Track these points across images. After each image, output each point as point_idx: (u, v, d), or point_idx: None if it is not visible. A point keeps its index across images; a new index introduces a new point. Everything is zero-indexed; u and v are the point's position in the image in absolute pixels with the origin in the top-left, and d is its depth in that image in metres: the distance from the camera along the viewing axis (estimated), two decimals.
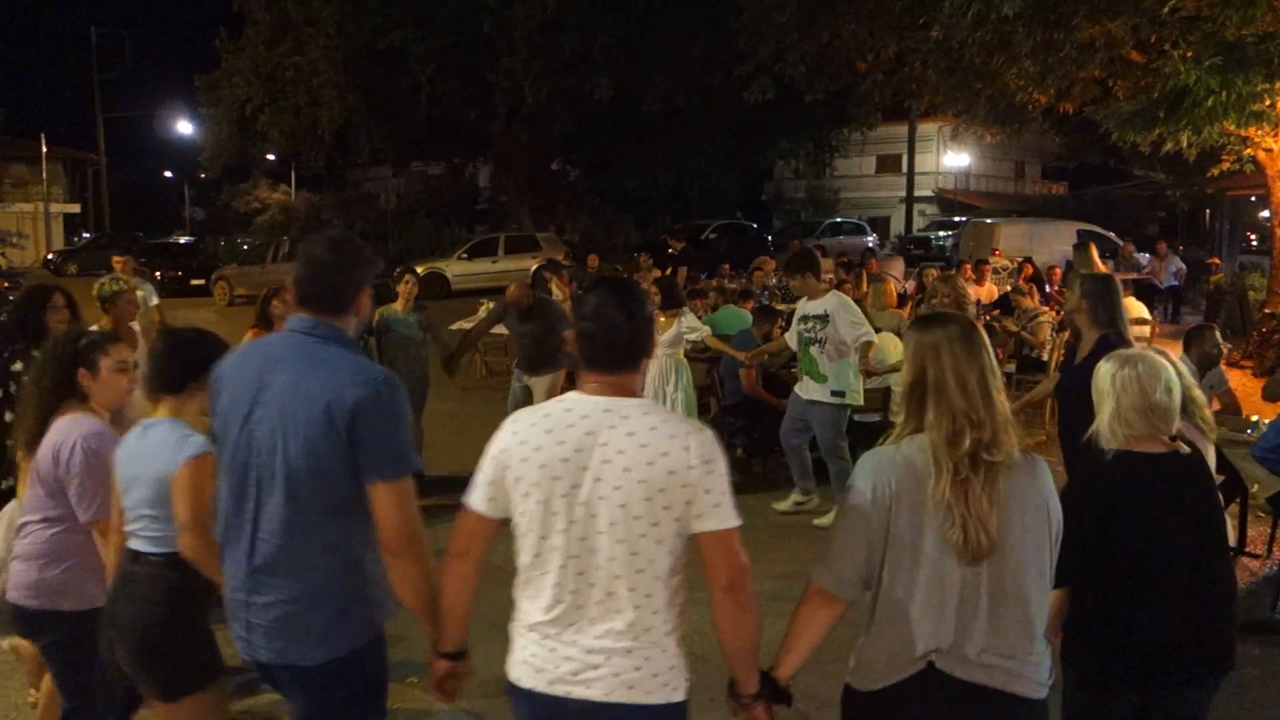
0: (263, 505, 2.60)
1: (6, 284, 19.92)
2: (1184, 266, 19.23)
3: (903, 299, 11.23)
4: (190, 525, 2.89)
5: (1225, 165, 14.74)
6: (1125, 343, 4.42)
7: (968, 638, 2.37)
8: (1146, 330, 12.66)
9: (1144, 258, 20.64)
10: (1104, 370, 3.04)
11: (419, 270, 15.42)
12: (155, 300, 8.40)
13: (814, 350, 6.89)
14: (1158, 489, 2.94)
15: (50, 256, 38.38)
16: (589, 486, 2.30)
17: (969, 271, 12.98)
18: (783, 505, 7.39)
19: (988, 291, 13.02)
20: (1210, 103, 10.64)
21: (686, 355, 8.27)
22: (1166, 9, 10.79)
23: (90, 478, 3.23)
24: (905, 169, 36.26)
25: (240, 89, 26.88)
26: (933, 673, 2.39)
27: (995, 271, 15.17)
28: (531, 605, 2.39)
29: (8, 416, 4.60)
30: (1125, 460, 2.95)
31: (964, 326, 2.53)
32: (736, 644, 2.39)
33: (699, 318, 11.59)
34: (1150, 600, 2.91)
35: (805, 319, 6.98)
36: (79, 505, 3.25)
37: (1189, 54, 11.09)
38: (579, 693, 2.31)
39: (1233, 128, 11.57)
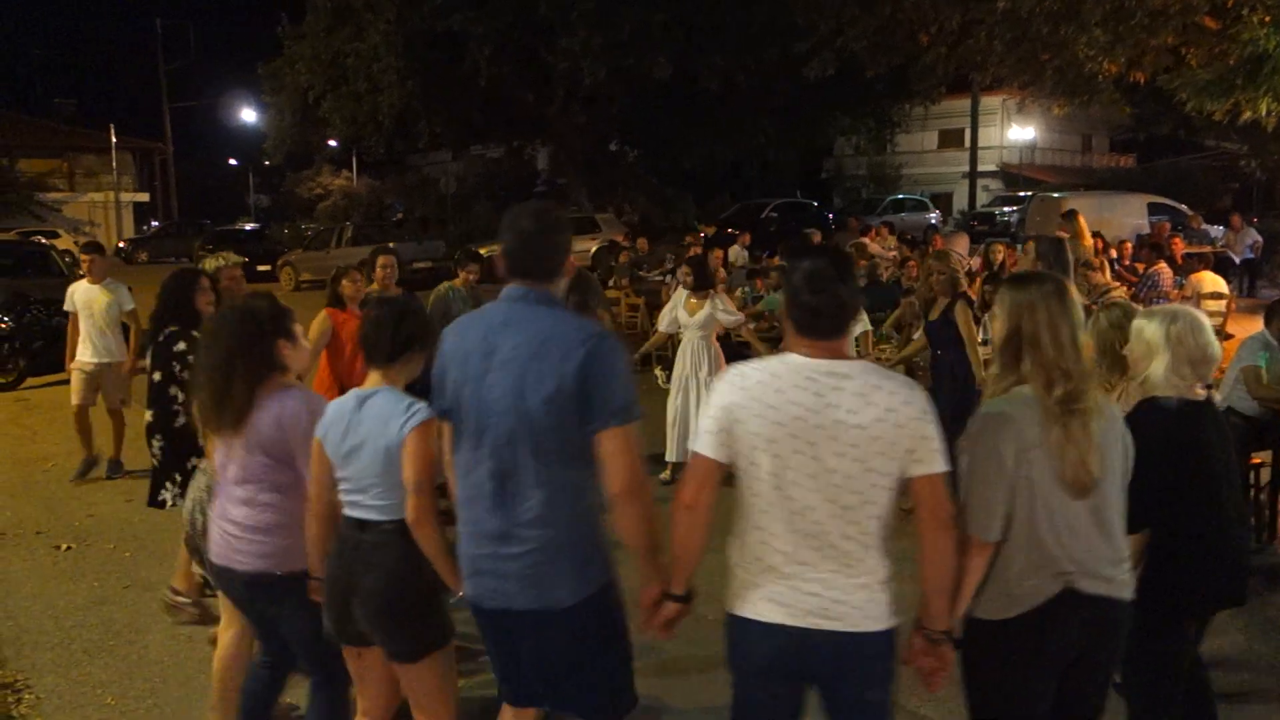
0: (506, 462, 2.79)
1: (82, 272, 20.44)
2: (1260, 239, 18.70)
3: (970, 276, 11.06)
4: (419, 488, 2.99)
5: None
6: None
7: (1091, 557, 2.72)
8: (1222, 305, 12.34)
9: (1216, 230, 20.11)
10: (1153, 326, 3.29)
11: (481, 252, 15.48)
12: (130, 305, 8.45)
13: None
14: (1211, 433, 3.27)
15: (121, 245, 39.23)
16: (824, 444, 2.50)
17: (939, 241, 12.75)
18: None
19: None
20: None
21: (761, 334, 8.24)
22: None
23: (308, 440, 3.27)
24: (968, 144, 35.64)
25: (302, 76, 27.21)
26: (1069, 592, 2.70)
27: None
28: (766, 549, 2.58)
29: (179, 395, 4.89)
30: (1187, 408, 3.23)
31: (1057, 284, 2.83)
32: (943, 580, 2.61)
33: (760, 296, 11.62)
34: (1217, 536, 3.24)
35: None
36: (306, 469, 3.27)
37: (1267, 19, 10.74)
38: (825, 625, 2.54)
39: None
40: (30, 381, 12.27)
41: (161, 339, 5.04)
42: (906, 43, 16.64)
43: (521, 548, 2.79)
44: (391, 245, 9.37)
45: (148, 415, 5.13)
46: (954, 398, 6.22)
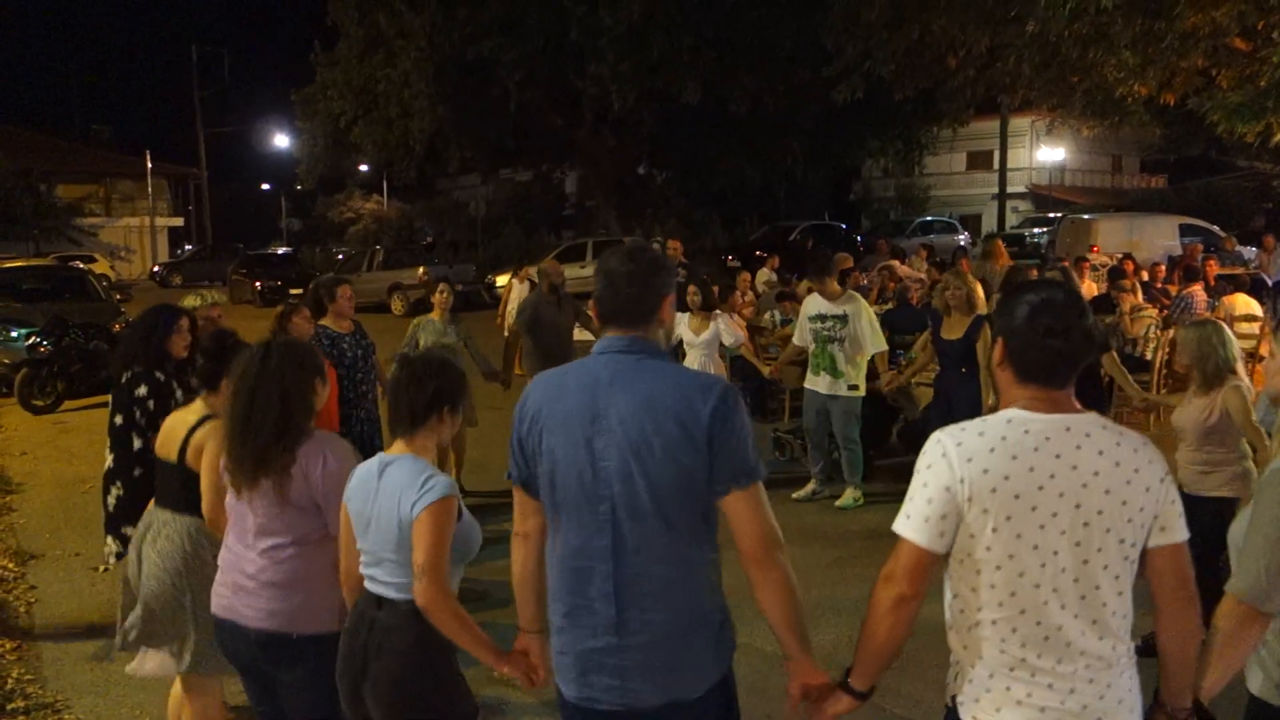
0: (624, 537, 2.47)
1: (119, 296, 20.72)
2: None
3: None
4: (429, 571, 2.77)
5: None
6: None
7: None
8: (1256, 327, 12.22)
9: (1249, 251, 19.92)
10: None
11: (521, 277, 15.54)
12: None
13: (833, 348, 7.50)
14: None
15: (156, 269, 39.74)
16: (1070, 514, 2.19)
17: (966, 265, 12.82)
18: (801, 494, 7.92)
19: (1087, 289, 12.70)
20: None
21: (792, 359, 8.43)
22: None
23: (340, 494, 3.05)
24: (997, 165, 35.54)
25: (334, 102, 27.54)
26: None
27: (1094, 269, 14.79)
28: (1006, 644, 2.23)
29: (135, 444, 4.62)
30: None
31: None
32: (1190, 655, 2.33)
33: (790, 319, 11.61)
34: None
35: (823, 318, 7.52)
36: (337, 520, 3.06)
37: None
38: None
39: None
40: (68, 404, 12.45)
41: (124, 380, 4.73)
42: (934, 65, 16.66)
43: (646, 635, 2.46)
44: (348, 276, 9.13)
45: (108, 460, 4.82)
46: (969, 417, 6.30)
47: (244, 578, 3.16)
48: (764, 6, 23.69)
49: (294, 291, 27.15)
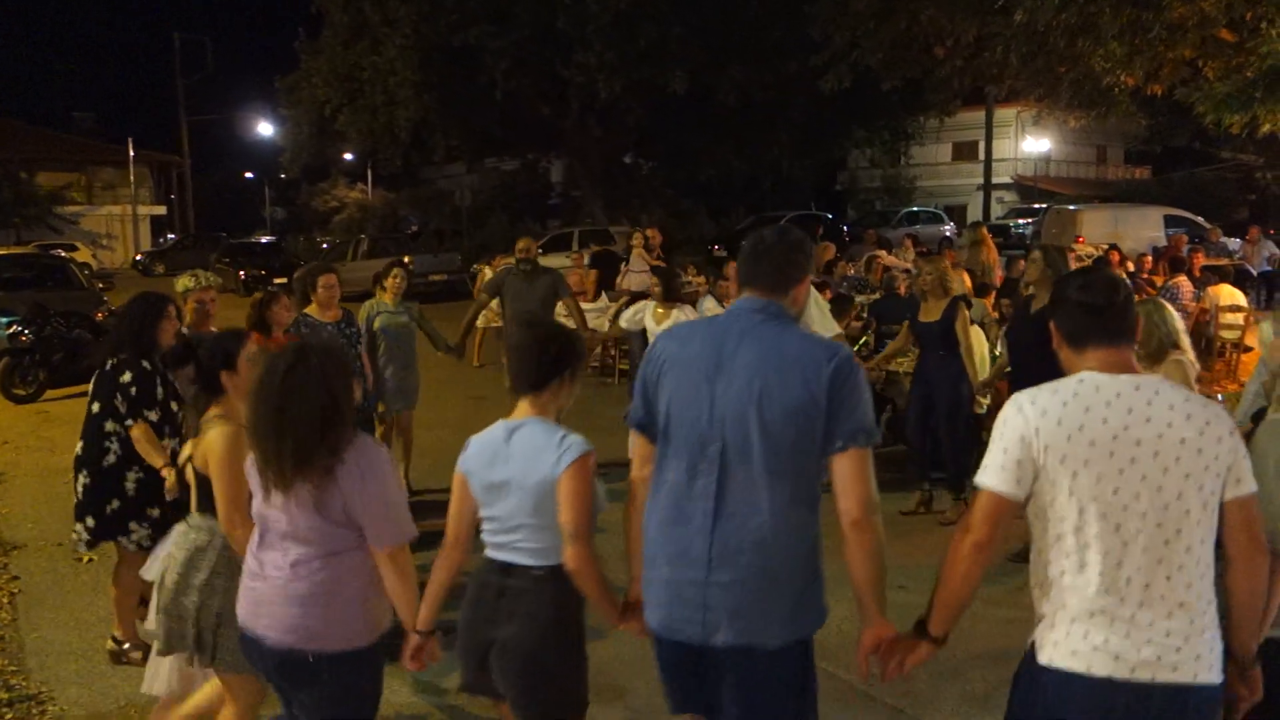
0: (729, 480, 2.58)
1: (101, 284, 20.57)
2: (1277, 251, 18.60)
3: (985, 289, 11.04)
4: (579, 534, 2.78)
5: None
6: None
7: None
8: (1240, 318, 12.28)
9: (1234, 243, 20.01)
10: None
11: (495, 265, 15.50)
12: None
13: None
14: None
15: (139, 257, 39.47)
16: (1148, 461, 2.29)
17: (951, 256, 12.76)
18: None
19: None
20: None
21: None
22: None
23: (388, 502, 2.91)
24: (983, 156, 35.62)
25: (319, 90, 27.38)
26: None
27: (1080, 259, 14.84)
28: (1083, 591, 2.33)
29: (109, 429, 4.66)
30: None
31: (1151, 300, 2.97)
32: (1259, 603, 2.45)
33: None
34: None
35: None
36: (380, 532, 2.89)
37: None
38: (1165, 677, 2.28)
39: None
40: (50, 394, 12.33)
41: (108, 367, 4.68)
42: (922, 56, 16.63)
43: (734, 575, 2.56)
44: (332, 265, 8.73)
45: (78, 447, 4.79)
46: (949, 398, 6.86)
47: (265, 588, 2.97)
48: None
49: (278, 280, 27.06)
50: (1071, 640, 2.33)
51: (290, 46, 28.16)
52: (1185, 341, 4.95)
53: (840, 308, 8.68)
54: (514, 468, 2.85)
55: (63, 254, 24.00)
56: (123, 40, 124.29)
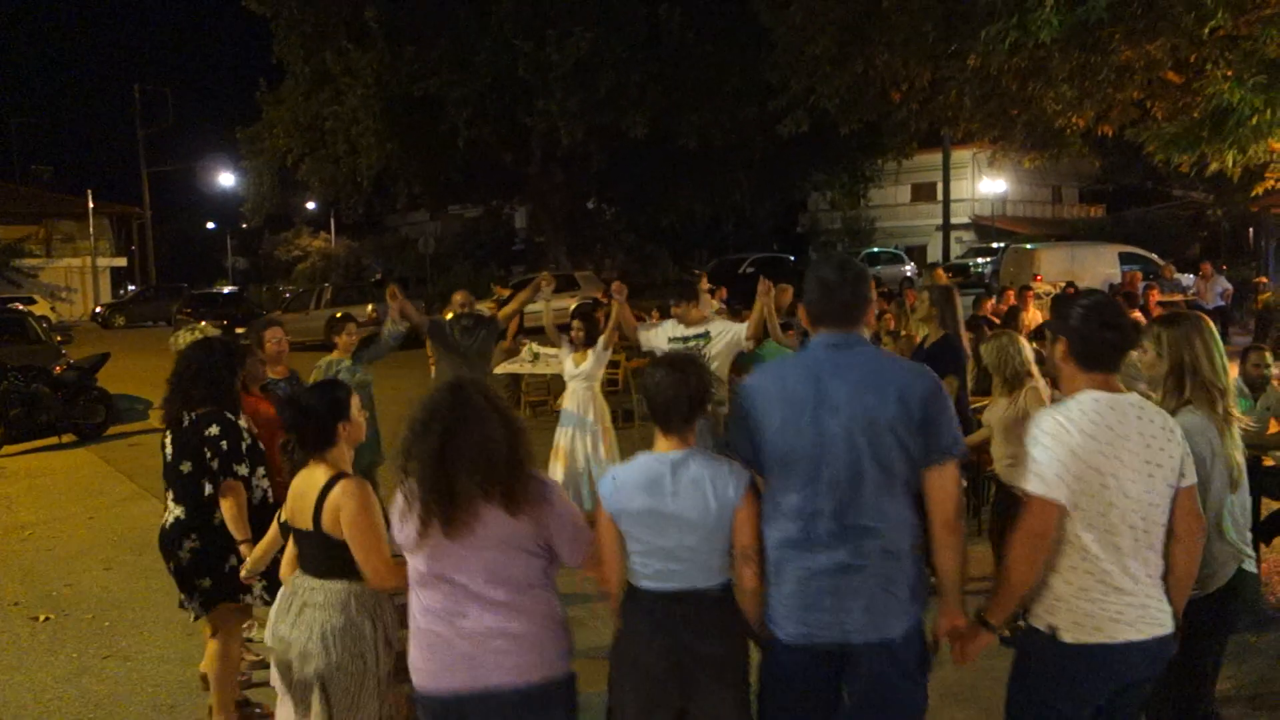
0: (845, 499, 2.83)
1: (59, 338, 20.31)
2: (1229, 286, 18.97)
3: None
4: (754, 555, 2.95)
5: (1270, 183, 14.56)
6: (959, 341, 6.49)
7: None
8: None
9: (1188, 279, 20.39)
10: None
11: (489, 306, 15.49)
12: None
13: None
14: None
15: (98, 309, 39.09)
16: (1139, 465, 2.81)
17: (912, 296, 12.76)
18: None
19: (1032, 317, 12.90)
20: (1255, 121, 10.52)
21: None
22: (1206, 30, 10.69)
23: (574, 523, 3.00)
24: (941, 197, 36.14)
25: (280, 140, 27.35)
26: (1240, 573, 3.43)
27: (1038, 297, 15.04)
28: (1110, 575, 2.81)
29: (207, 489, 4.42)
30: None
31: (1200, 319, 3.49)
32: (1193, 572, 3.02)
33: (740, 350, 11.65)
34: None
35: (684, 340, 7.26)
36: (574, 550, 2.99)
37: (1229, 72, 10.99)
38: (1157, 632, 2.85)
39: (1278, 145, 11.44)
40: (7, 449, 12.14)
41: (188, 423, 4.49)
42: (878, 100, 16.89)
43: (862, 581, 2.84)
44: (277, 316, 8.06)
45: (177, 513, 4.52)
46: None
47: (485, 636, 2.88)
48: (710, 43, 23.99)
49: (239, 330, 26.88)
50: (1100, 619, 2.81)
51: (251, 97, 28.13)
52: (1036, 370, 5.51)
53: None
54: (689, 500, 2.95)
55: (20, 307, 23.73)
56: (82, 91, 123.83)
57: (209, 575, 4.49)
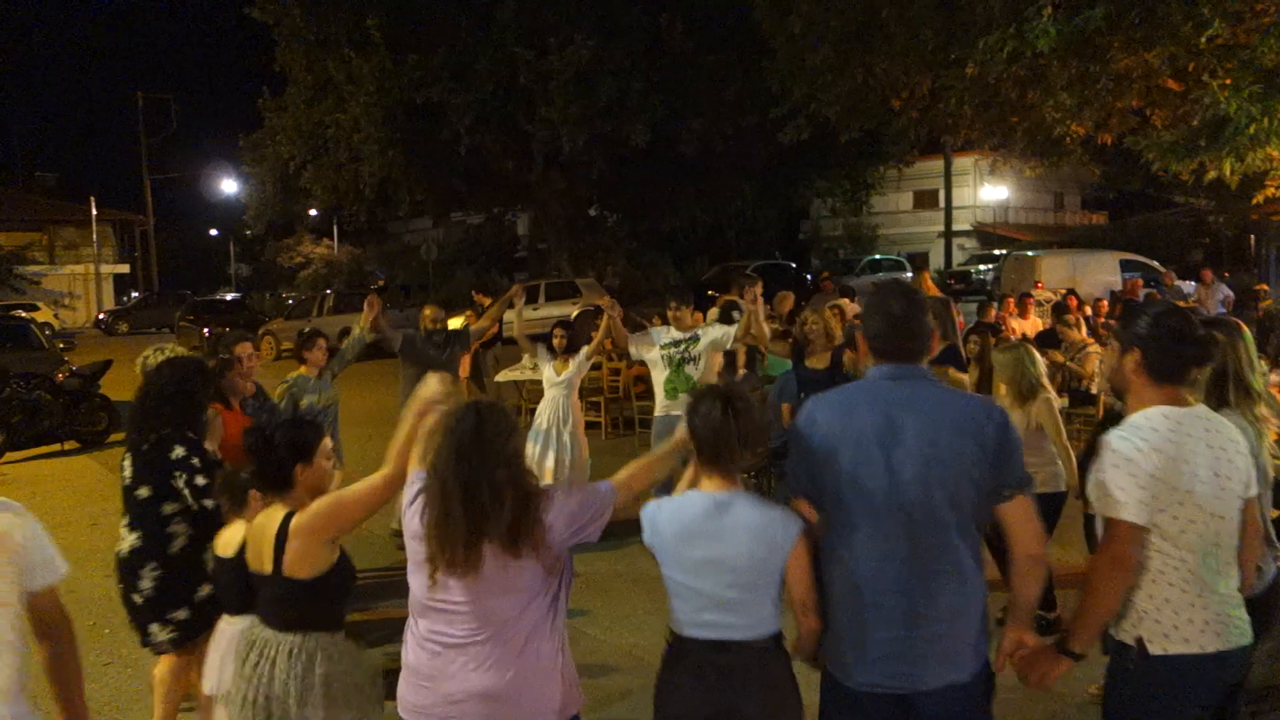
0: (918, 539, 2.75)
1: (62, 345, 20.38)
2: (1230, 293, 18.96)
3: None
4: (813, 606, 2.84)
5: (1270, 191, 14.60)
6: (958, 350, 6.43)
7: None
8: None
9: (1189, 286, 20.39)
10: None
11: (461, 320, 15.53)
12: None
13: (688, 368, 7.53)
14: None
15: (101, 316, 39.21)
16: (1211, 480, 2.81)
17: (849, 306, 12.74)
18: None
19: (1032, 325, 12.93)
20: (1252, 130, 10.59)
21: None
22: (1203, 38, 10.74)
23: (580, 516, 2.86)
24: (942, 204, 36.18)
25: (283, 147, 27.42)
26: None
27: (1039, 304, 15.06)
28: (1190, 585, 2.80)
29: (169, 509, 4.22)
30: None
31: (1240, 326, 3.56)
32: (1249, 580, 3.08)
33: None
34: None
35: (675, 343, 7.59)
36: (595, 527, 2.84)
37: (1228, 81, 11.04)
38: (1243, 642, 2.85)
39: (1276, 154, 11.50)
40: (9, 456, 12.19)
41: (146, 446, 4.26)
42: (879, 107, 16.95)
43: (936, 627, 2.75)
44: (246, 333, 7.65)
45: (132, 540, 4.29)
46: None
47: (460, 702, 2.73)
48: (711, 51, 24.06)
49: None
50: (1180, 627, 2.80)
51: (254, 105, 28.22)
52: (1048, 383, 5.60)
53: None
54: (735, 544, 2.79)
55: (23, 314, 23.81)
56: (86, 99, 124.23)
57: (185, 605, 4.25)
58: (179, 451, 4.19)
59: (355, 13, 24.83)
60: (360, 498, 3.10)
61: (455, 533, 2.62)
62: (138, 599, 4.29)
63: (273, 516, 3.29)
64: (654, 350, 7.70)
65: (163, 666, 4.46)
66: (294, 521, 3.19)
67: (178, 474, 4.18)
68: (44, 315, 32.31)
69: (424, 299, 30.80)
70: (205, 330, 26.87)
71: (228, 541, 3.76)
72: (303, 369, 6.99)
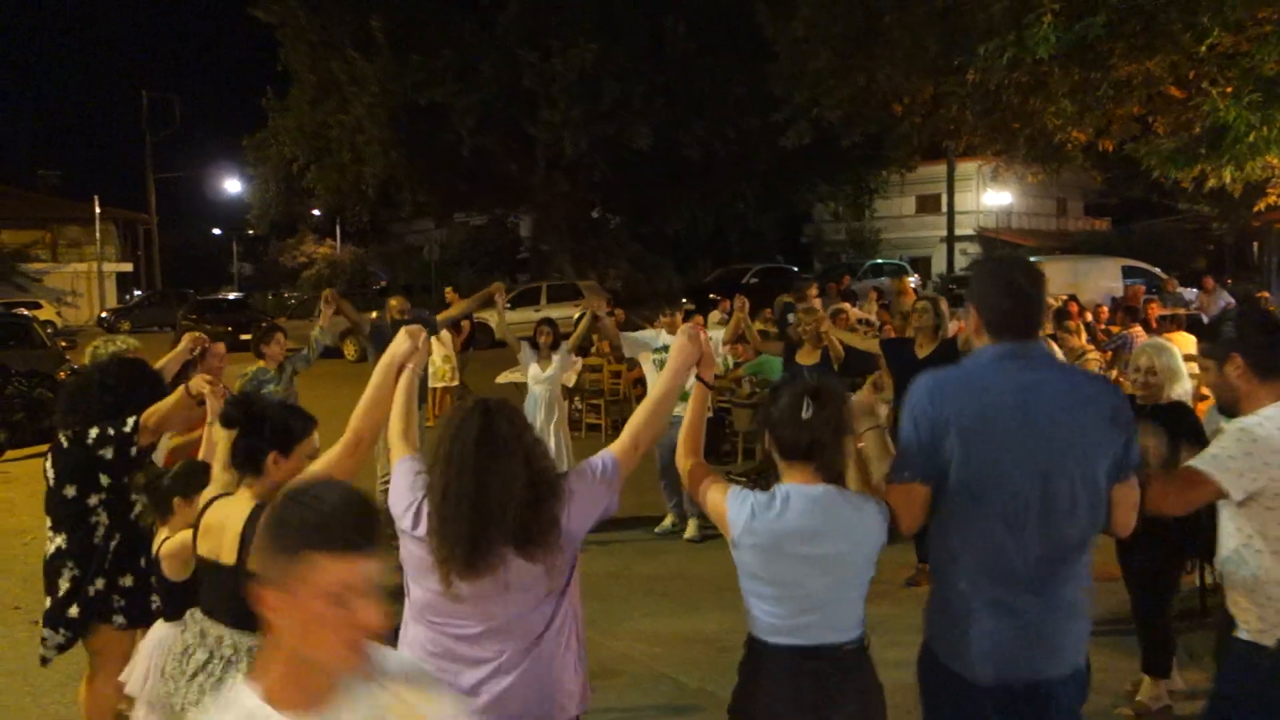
0: (1050, 529, 2.64)
1: (64, 343, 20.41)
2: (1233, 301, 18.95)
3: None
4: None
5: (1271, 199, 14.61)
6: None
7: None
8: (1195, 366, 12.48)
9: (1190, 293, 20.38)
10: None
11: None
12: None
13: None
14: None
15: (104, 315, 39.21)
16: None
17: (853, 312, 12.90)
18: (690, 534, 8.03)
19: None
20: (1251, 138, 10.61)
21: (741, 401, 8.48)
22: (1204, 46, 10.77)
23: (597, 496, 2.73)
24: (945, 209, 36.15)
25: (287, 147, 27.50)
26: None
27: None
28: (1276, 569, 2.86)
29: (93, 500, 4.09)
30: None
31: None
32: None
33: (739, 363, 11.73)
34: None
35: (666, 349, 7.62)
36: (612, 497, 2.72)
37: (1228, 89, 11.06)
38: None
39: (1276, 161, 11.51)
40: (10, 454, 12.22)
41: (69, 441, 4.06)
42: (880, 112, 17.00)
43: (1060, 616, 2.69)
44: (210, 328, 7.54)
45: (58, 540, 4.12)
46: None
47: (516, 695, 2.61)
48: (713, 55, 24.10)
49: (244, 337, 26.90)
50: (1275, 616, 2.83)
51: (258, 105, 28.29)
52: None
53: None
54: (835, 541, 2.66)
55: (26, 312, 23.85)
56: (90, 98, 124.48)
57: (76, 601, 4.09)
58: (105, 449, 3.99)
59: (359, 14, 24.92)
60: (326, 470, 2.90)
61: (463, 532, 2.48)
62: (49, 602, 4.16)
63: (238, 505, 3.09)
64: (648, 352, 7.85)
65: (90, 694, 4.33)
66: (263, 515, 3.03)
67: (100, 467, 4.03)
68: (46, 313, 32.36)
69: (426, 300, 30.87)
70: (208, 329, 26.86)
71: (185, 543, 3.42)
72: (260, 363, 7.04)
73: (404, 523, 2.65)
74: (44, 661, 4.27)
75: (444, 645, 2.61)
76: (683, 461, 2.97)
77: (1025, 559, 2.64)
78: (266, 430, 3.13)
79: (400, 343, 2.98)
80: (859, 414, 2.84)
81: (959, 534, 2.70)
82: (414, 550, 2.62)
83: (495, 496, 2.48)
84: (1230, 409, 2.99)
